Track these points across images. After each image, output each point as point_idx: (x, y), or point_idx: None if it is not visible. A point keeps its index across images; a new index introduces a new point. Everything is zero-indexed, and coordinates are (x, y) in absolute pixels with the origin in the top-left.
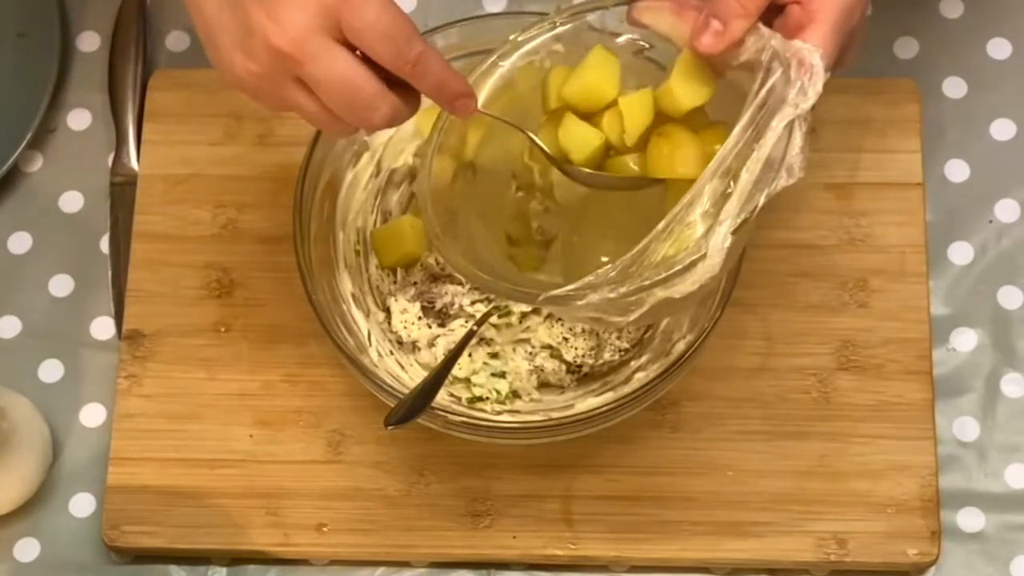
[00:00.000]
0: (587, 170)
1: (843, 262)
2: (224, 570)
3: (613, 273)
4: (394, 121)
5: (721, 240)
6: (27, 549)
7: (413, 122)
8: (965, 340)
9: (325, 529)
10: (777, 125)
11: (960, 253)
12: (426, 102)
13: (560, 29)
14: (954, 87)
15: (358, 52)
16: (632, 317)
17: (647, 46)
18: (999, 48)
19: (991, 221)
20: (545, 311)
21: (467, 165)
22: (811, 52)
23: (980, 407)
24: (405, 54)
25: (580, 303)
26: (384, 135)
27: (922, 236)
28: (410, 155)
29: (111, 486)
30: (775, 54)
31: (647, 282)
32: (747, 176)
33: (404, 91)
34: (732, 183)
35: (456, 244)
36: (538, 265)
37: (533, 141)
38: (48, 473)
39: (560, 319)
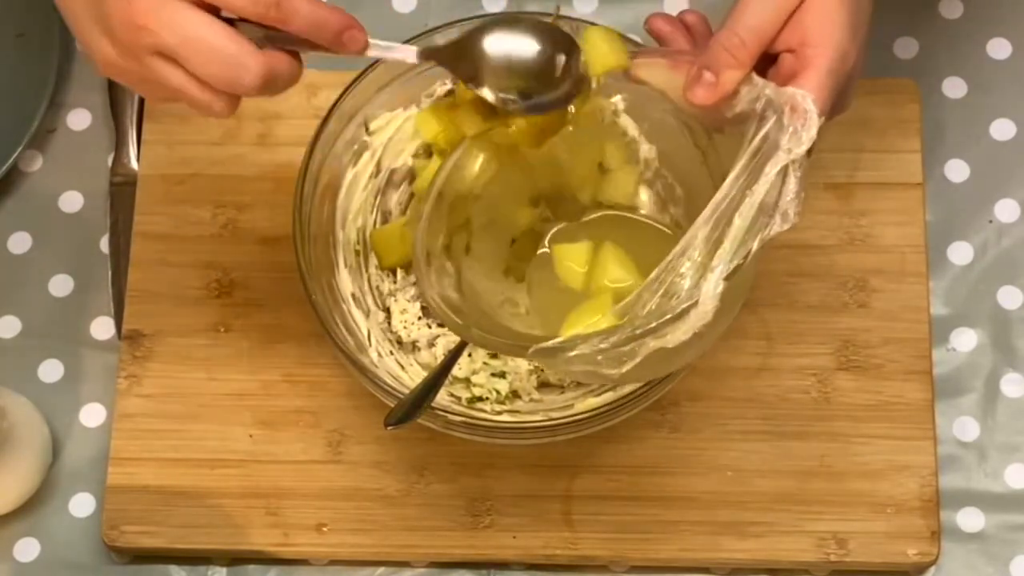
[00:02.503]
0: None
1: (843, 262)
2: (224, 570)
3: (604, 324)
4: (273, 81)
5: (713, 286)
6: (27, 549)
7: (413, 122)
8: (965, 340)
9: (325, 529)
10: (770, 171)
11: (960, 253)
12: (426, 101)
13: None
14: (954, 87)
15: (224, 14)
16: (625, 369)
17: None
18: (999, 48)
19: (991, 221)
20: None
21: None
22: (804, 97)
23: (980, 407)
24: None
25: (571, 354)
26: (384, 135)
27: (922, 236)
28: (410, 155)
29: (111, 486)
30: (769, 102)
31: (638, 331)
32: (740, 222)
33: (287, 48)
34: (726, 230)
35: (444, 278)
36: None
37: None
38: (48, 473)
39: None
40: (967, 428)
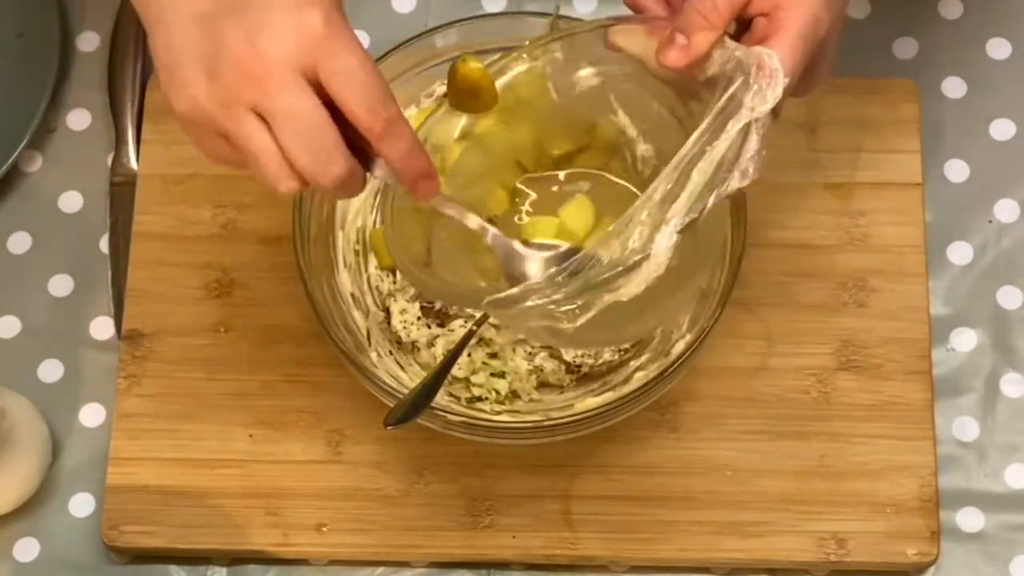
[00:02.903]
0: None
1: (842, 262)
2: (224, 570)
3: (560, 277)
4: (347, 184)
5: (667, 239)
6: (27, 549)
7: (413, 123)
8: (965, 340)
9: (325, 529)
10: (732, 128)
11: (960, 253)
12: (426, 102)
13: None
14: (953, 87)
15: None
16: (579, 322)
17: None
18: (999, 48)
19: (991, 221)
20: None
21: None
22: (771, 56)
23: (980, 407)
24: (379, 111)
25: (525, 305)
26: None
27: (921, 236)
28: None
29: (111, 486)
30: (738, 64)
31: (593, 281)
32: (697, 177)
33: (360, 160)
34: (684, 184)
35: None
36: None
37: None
38: (48, 473)
39: None
40: (967, 428)
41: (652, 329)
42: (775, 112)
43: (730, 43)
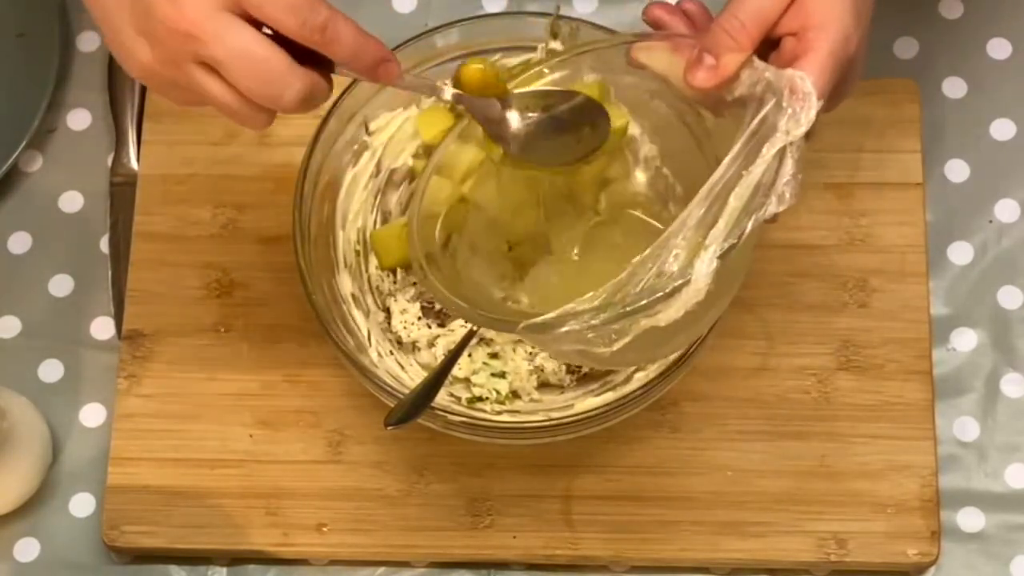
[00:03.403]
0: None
1: (843, 262)
2: (224, 570)
3: (596, 302)
4: (311, 99)
5: (707, 265)
6: (27, 549)
7: (413, 122)
8: (965, 340)
9: (325, 529)
10: (768, 152)
11: (960, 253)
12: (426, 102)
13: (554, 75)
14: (954, 87)
15: (265, 30)
16: (615, 347)
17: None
18: (999, 48)
19: (991, 221)
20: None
21: (462, 198)
22: (803, 79)
23: (980, 407)
24: (311, 20)
25: (561, 331)
26: (384, 135)
27: (922, 236)
28: (410, 155)
29: (111, 486)
30: (769, 85)
31: (629, 308)
32: (735, 202)
33: (320, 69)
34: (721, 209)
35: (439, 272)
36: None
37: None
38: (48, 473)
39: None
40: (967, 428)
41: (682, 347)
42: (808, 134)
43: (759, 64)
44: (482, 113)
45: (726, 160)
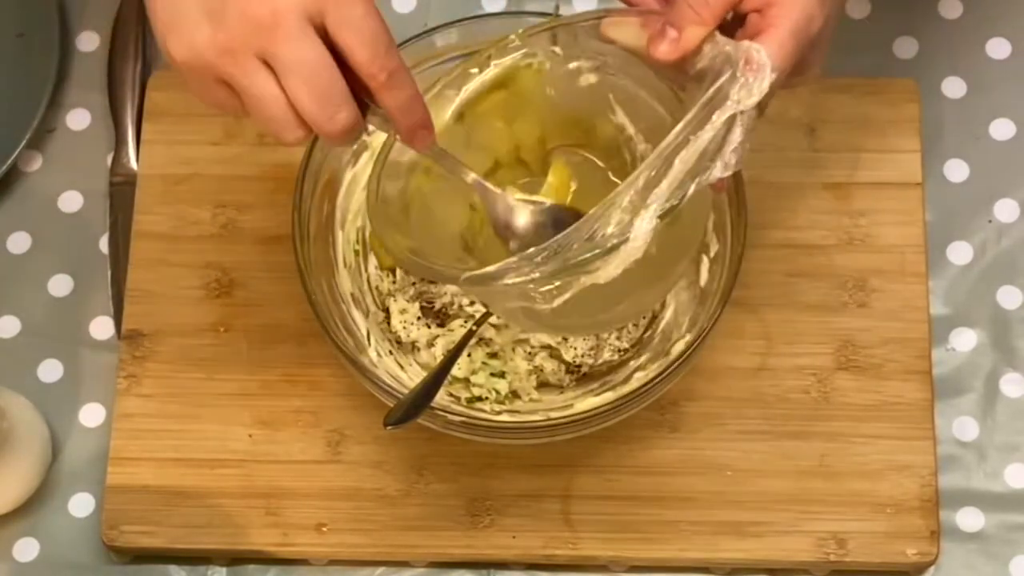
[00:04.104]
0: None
1: (842, 262)
2: (224, 570)
3: (538, 257)
4: (351, 132)
5: (646, 223)
6: (26, 549)
7: None
8: (965, 340)
9: (324, 529)
10: (717, 120)
11: (959, 253)
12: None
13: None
14: (954, 87)
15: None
16: (556, 303)
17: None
18: (999, 48)
19: (991, 221)
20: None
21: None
22: (759, 51)
23: (980, 407)
24: (384, 60)
25: (502, 282)
26: (384, 135)
27: (921, 236)
28: (410, 155)
29: (110, 486)
30: (727, 58)
31: (570, 262)
32: (680, 165)
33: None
34: (666, 171)
35: (392, 222)
36: None
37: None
38: (47, 473)
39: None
40: (967, 428)
41: (628, 319)
42: (761, 107)
43: (720, 38)
44: (494, 204)
45: (678, 127)
